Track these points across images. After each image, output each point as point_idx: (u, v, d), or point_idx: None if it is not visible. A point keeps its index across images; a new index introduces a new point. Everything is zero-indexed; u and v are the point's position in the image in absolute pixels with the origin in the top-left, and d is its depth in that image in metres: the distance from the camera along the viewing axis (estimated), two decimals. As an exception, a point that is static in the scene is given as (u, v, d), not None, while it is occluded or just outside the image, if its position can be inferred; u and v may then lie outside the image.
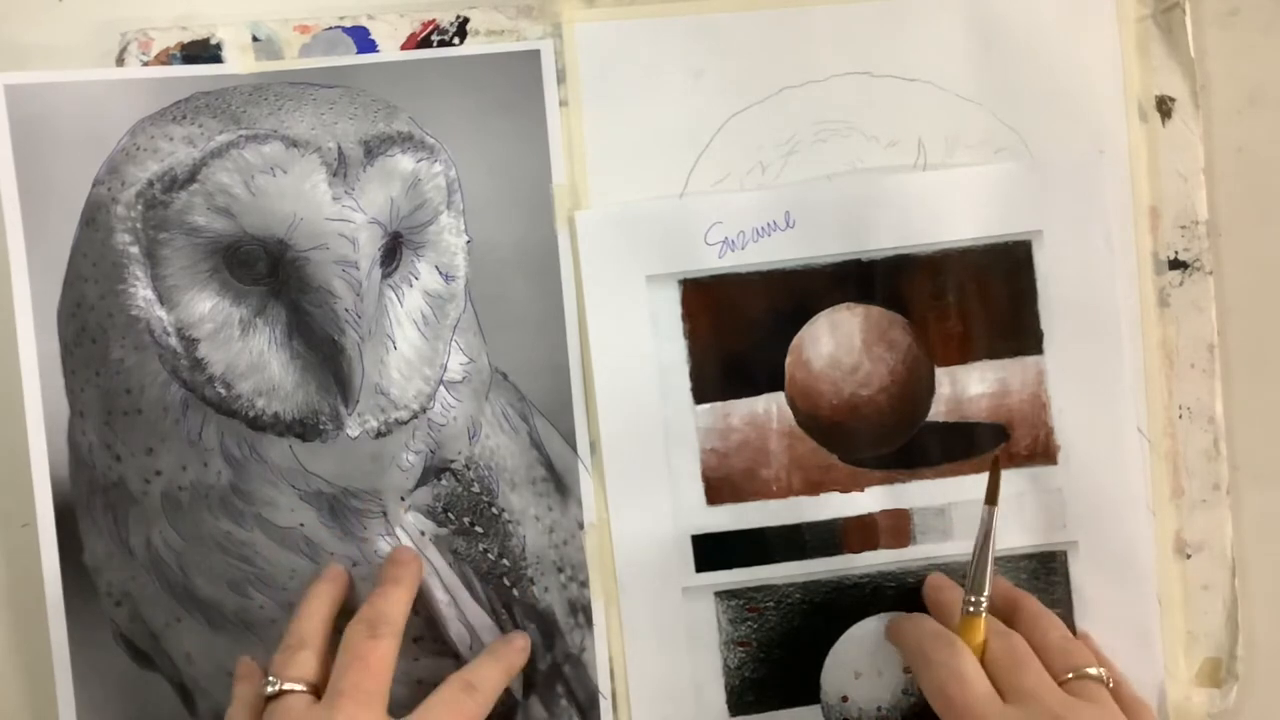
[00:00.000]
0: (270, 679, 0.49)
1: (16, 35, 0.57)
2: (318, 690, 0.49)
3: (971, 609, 0.53)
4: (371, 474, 0.55)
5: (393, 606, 0.51)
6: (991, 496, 0.54)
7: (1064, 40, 0.58)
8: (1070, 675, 0.51)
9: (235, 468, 0.54)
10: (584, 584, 0.58)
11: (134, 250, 0.53)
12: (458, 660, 0.56)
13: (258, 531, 0.55)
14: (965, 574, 0.54)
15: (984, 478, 0.55)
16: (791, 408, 0.58)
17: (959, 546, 0.58)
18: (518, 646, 0.55)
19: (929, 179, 0.58)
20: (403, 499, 0.56)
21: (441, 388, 0.56)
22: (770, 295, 0.58)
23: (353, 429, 0.55)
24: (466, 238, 0.57)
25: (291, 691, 0.48)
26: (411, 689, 0.56)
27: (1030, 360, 0.58)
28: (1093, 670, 0.52)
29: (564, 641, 0.58)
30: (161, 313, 0.53)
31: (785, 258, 0.58)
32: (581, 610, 0.58)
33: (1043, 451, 0.59)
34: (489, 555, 0.57)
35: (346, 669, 0.49)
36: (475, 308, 0.57)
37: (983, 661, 0.52)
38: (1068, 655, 0.52)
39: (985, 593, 0.53)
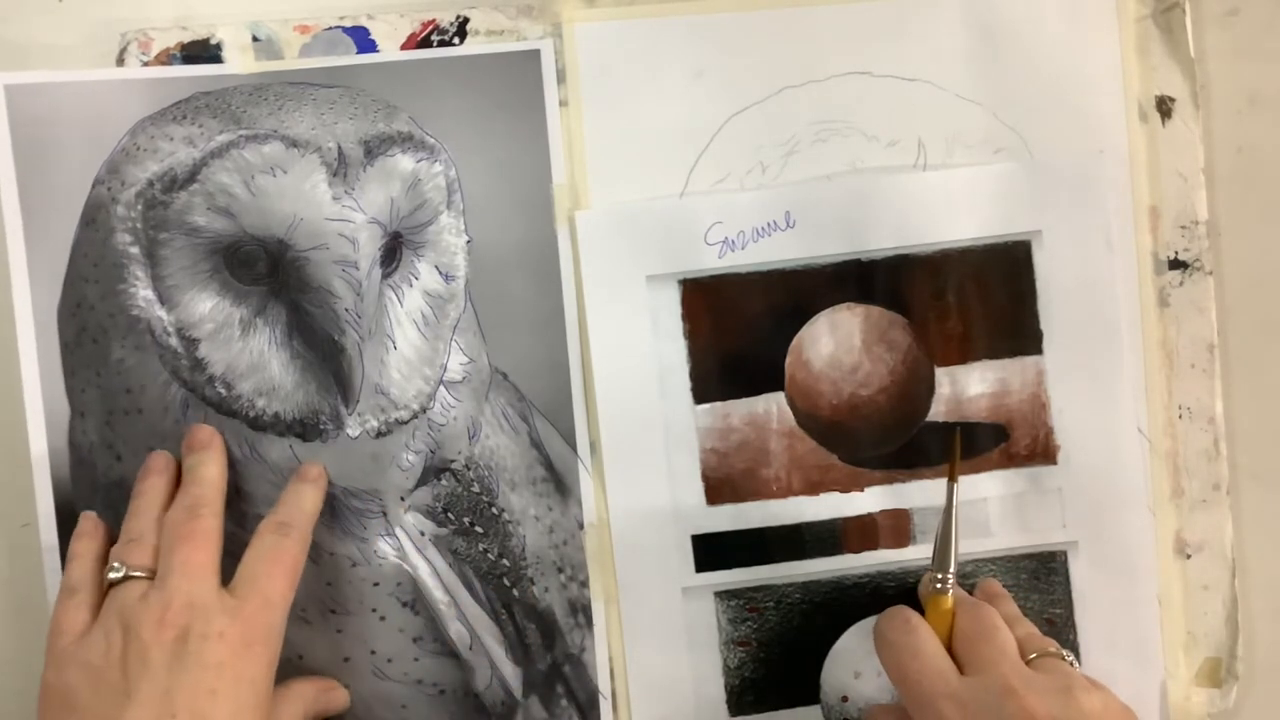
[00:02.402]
0: (114, 565, 0.50)
1: (16, 35, 0.57)
2: (154, 575, 0.50)
3: (939, 586, 0.53)
4: (371, 474, 0.55)
5: (206, 487, 0.52)
6: (951, 473, 0.54)
7: (1064, 40, 0.58)
8: (1034, 655, 0.51)
9: (235, 468, 0.54)
10: (584, 584, 0.58)
11: (134, 250, 0.53)
12: (458, 660, 0.56)
13: (258, 531, 0.55)
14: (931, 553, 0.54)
15: (984, 477, 0.55)
16: (791, 408, 0.58)
17: (959, 546, 0.58)
18: (315, 473, 0.54)
19: (929, 179, 0.58)
20: (403, 499, 0.56)
21: (441, 388, 0.56)
22: (770, 295, 0.58)
23: (353, 429, 0.55)
24: (466, 238, 0.57)
25: (132, 577, 0.49)
26: (410, 688, 0.56)
27: (1030, 360, 0.58)
28: (1053, 649, 0.51)
29: (564, 641, 0.58)
30: (162, 313, 0.53)
31: (785, 258, 0.58)
32: (581, 610, 0.58)
33: (1043, 451, 0.59)
34: (489, 555, 0.57)
35: (172, 549, 0.49)
36: (475, 308, 0.57)
37: (951, 638, 0.52)
38: (1032, 640, 0.52)
39: (950, 570, 0.53)
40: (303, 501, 0.53)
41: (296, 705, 0.53)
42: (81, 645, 0.49)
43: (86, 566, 0.52)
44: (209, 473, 0.52)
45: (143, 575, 0.50)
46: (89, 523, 0.54)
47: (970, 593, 0.57)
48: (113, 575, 0.50)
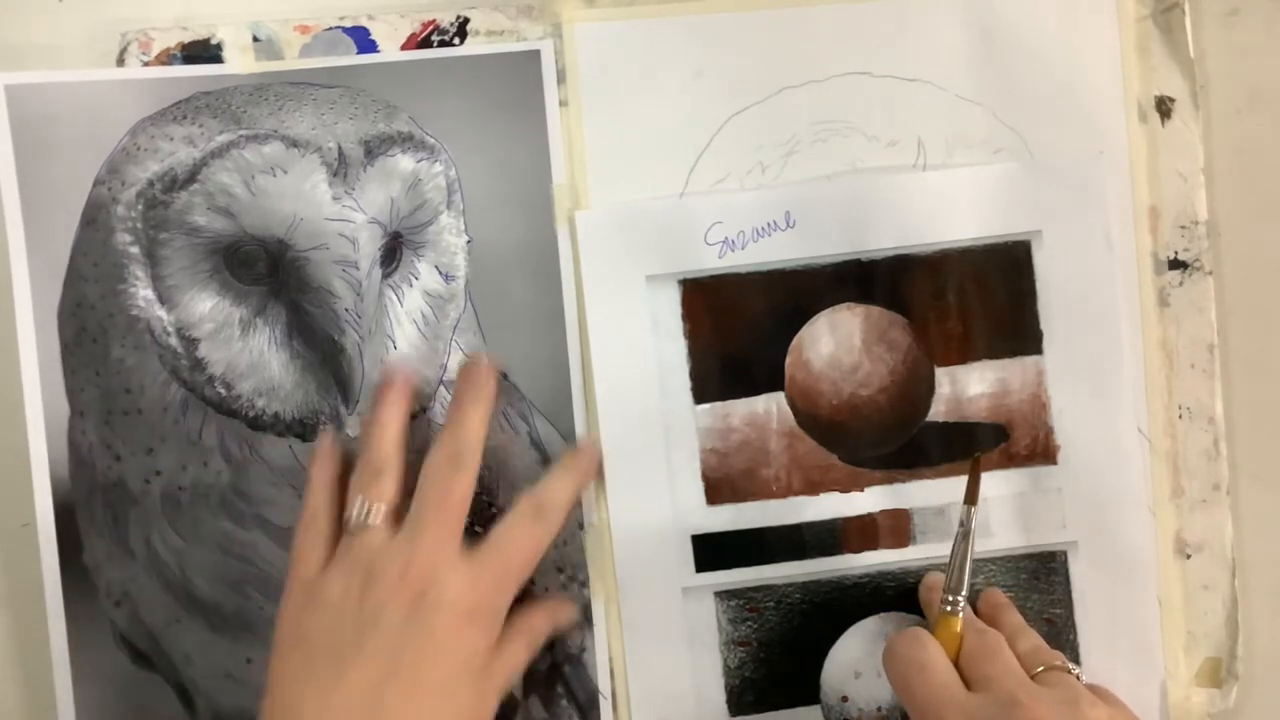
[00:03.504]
0: (359, 499, 0.50)
1: (16, 35, 0.57)
2: (398, 513, 0.50)
3: (949, 608, 0.53)
4: (371, 474, 0.55)
5: (472, 433, 0.52)
6: (971, 496, 0.54)
7: (1064, 40, 0.58)
8: (1040, 669, 0.51)
9: (235, 468, 0.54)
10: (584, 584, 0.58)
11: (134, 250, 0.53)
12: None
13: (258, 532, 0.55)
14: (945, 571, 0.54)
15: (984, 477, 0.55)
16: (791, 408, 0.58)
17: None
18: (588, 456, 0.55)
19: (929, 179, 0.58)
20: (403, 499, 0.56)
21: (442, 388, 0.56)
22: (770, 295, 0.58)
23: (353, 429, 0.55)
24: (466, 238, 0.57)
25: (372, 526, 0.50)
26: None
27: (1030, 360, 0.58)
28: (1059, 662, 0.51)
29: (564, 641, 0.58)
30: (162, 313, 0.53)
31: (785, 258, 0.58)
32: (581, 610, 0.58)
33: (1043, 451, 0.59)
34: (489, 555, 0.57)
35: (428, 503, 0.50)
36: (475, 308, 0.57)
37: (959, 657, 0.52)
38: (1038, 654, 0.52)
39: (963, 592, 0.53)
40: (565, 485, 0.54)
41: (519, 645, 0.53)
42: (323, 583, 0.49)
43: (324, 495, 0.52)
44: (479, 414, 0.52)
45: (382, 521, 0.50)
46: (326, 443, 0.54)
47: (974, 600, 0.56)
48: (355, 513, 0.50)
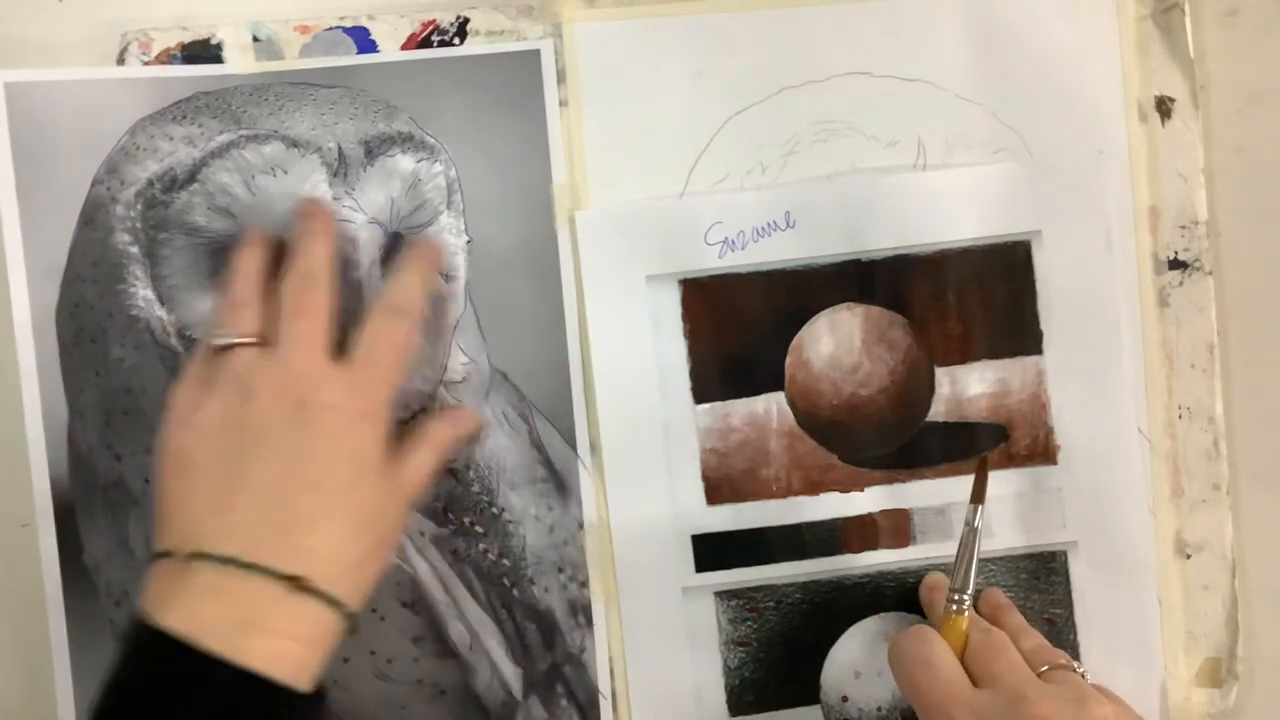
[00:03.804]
0: (219, 333, 0.50)
1: (16, 34, 0.57)
2: (265, 341, 0.50)
3: (955, 607, 0.53)
4: (371, 474, 0.55)
5: (316, 259, 0.51)
6: (977, 495, 0.54)
7: (1064, 40, 0.58)
8: (1045, 668, 0.51)
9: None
10: (584, 584, 0.58)
11: (134, 250, 0.53)
12: (458, 660, 0.56)
13: (258, 531, 0.55)
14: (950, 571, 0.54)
15: (984, 478, 0.55)
16: (791, 408, 0.58)
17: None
18: (430, 246, 0.55)
19: (929, 179, 0.58)
20: (403, 499, 0.56)
21: (442, 388, 0.56)
22: (770, 295, 0.58)
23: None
24: (466, 238, 0.57)
25: (241, 343, 0.50)
26: (411, 689, 0.56)
27: (1030, 360, 0.58)
28: (1063, 661, 0.52)
29: (564, 641, 0.58)
30: (161, 313, 0.53)
31: (785, 258, 0.58)
32: (581, 610, 0.58)
33: (1043, 451, 0.59)
34: (489, 555, 0.57)
35: (290, 318, 0.50)
36: (475, 308, 0.57)
37: (964, 655, 0.52)
38: (1043, 653, 0.53)
39: (969, 591, 0.53)
40: (413, 276, 0.53)
41: (423, 451, 0.53)
42: (200, 405, 0.49)
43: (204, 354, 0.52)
44: (319, 246, 0.52)
45: (250, 341, 0.50)
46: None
47: (974, 601, 0.57)
48: (218, 341, 0.50)
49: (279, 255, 0.53)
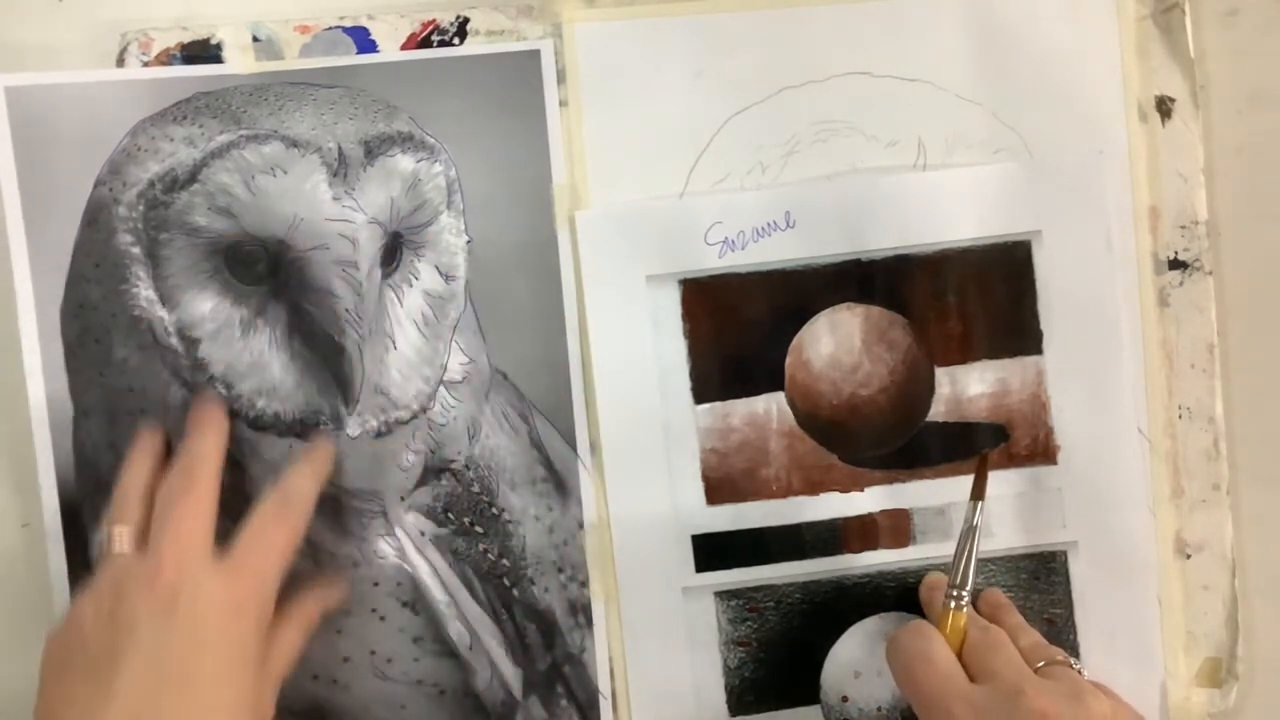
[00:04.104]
0: (106, 531, 0.51)
1: (16, 36, 0.57)
2: (144, 538, 0.50)
3: (954, 603, 0.53)
4: (371, 474, 0.55)
5: (200, 458, 0.52)
6: (977, 492, 0.54)
7: (1064, 40, 0.58)
8: (1042, 664, 0.52)
9: (236, 468, 0.54)
10: (584, 584, 0.58)
11: (136, 250, 0.53)
12: (458, 660, 0.57)
13: (258, 531, 0.55)
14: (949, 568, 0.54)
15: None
16: (791, 408, 0.58)
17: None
18: (324, 449, 0.55)
19: (929, 179, 0.58)
20: (402, 499, 0.56)
21: (441, 388, 0.56)
22: (770, 295, 0.58)
23: (353, 429, 0.55)
24: (466, 238, 0.57)
25: (119, 550, 0.50)
26: (410, 688, 0.56)
27: (1030, 360, 0.58)
28: (1061, 657, 0.52)
29: (564, 641, 0.58)
30: (163, 313, 0.53)
31: (785, 258, 0.58)
32: (581, 610, 0.58)
33: (1043, 451, 0.59)
34: (489, 555, 0.57)
35: (164, 515, 0.50)
36: (475, 308, 0.57)
37: (962, 651, 0.52)
38: (1040, 650, 0.53)
39: (968, 587, 0.53)
40: (306, 476, 0.53)
41: (292, 631, 0.53)
42: (74, 609, 0.49)
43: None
44: (204, 444, 0.52)
45: (133, 547, 0.50)
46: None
47: (974, 601, 0.57)
48: (101, 539, 0.51)
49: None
